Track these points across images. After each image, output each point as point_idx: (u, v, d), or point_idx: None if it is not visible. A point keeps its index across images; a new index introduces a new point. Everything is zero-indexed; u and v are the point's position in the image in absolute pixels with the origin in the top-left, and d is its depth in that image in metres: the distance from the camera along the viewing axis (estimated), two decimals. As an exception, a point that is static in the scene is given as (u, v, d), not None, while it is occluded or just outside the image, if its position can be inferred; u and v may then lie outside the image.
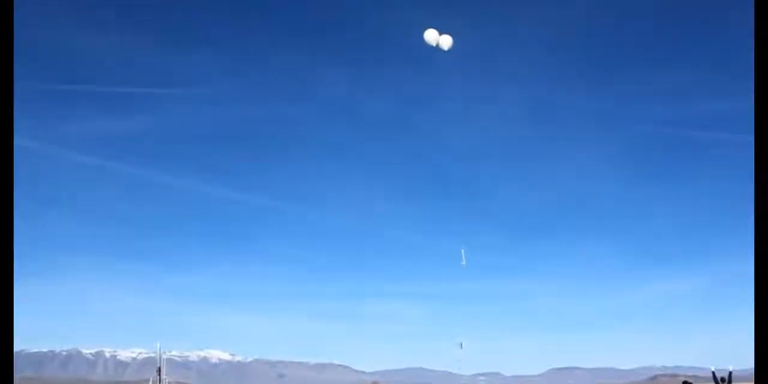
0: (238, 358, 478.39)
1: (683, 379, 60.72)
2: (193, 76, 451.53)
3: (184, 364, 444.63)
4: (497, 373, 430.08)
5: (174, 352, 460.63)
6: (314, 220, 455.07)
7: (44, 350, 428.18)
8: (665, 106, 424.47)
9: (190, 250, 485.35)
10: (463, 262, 19.91)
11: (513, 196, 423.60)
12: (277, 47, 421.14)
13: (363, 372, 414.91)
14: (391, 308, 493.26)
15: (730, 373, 19.75)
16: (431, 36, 18.48)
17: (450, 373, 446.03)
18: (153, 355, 26.05)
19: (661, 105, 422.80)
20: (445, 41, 18.49)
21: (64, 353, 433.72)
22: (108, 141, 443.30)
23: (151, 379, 25.97)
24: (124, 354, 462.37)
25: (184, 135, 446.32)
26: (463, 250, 20.10)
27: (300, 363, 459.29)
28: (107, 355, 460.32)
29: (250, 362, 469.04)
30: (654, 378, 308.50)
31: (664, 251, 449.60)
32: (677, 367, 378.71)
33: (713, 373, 19.80)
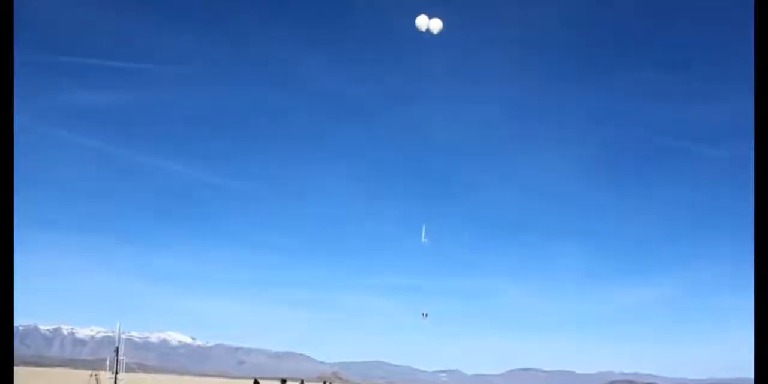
0: (198, 341, 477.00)
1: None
2: (175, 54, 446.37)
3: (144, 345, 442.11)
4: (458, 371, 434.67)
5: (134, 333, 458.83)
6: (290, 207, 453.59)
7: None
8: (651, 109, 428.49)
9: (161, 230, 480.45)
10: (424, 239, 21.13)
11: (490, 193, 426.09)
12: (263, 30, 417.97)
13: (323, 362, 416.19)
14: (359, 300, 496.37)
15: None
16: (422, 21, 19.14)
17: (411, 368, 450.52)
18: (112, 334, 26.52)
19: (647, 108, 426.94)
20: (435, 25, 19.18)
21: (21, 328, 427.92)
22: (84, 115, 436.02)
23: (108, 359, 26.37)
24: (83, 332, 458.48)
25: (162, 114, 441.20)
26: (424, 227, 21.41)
27: (261, 350, 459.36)
28: (65, 332, 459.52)
29: (211, 346, 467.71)
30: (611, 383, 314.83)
31: (635, 258, 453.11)
32: (635, 373, 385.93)
33: None
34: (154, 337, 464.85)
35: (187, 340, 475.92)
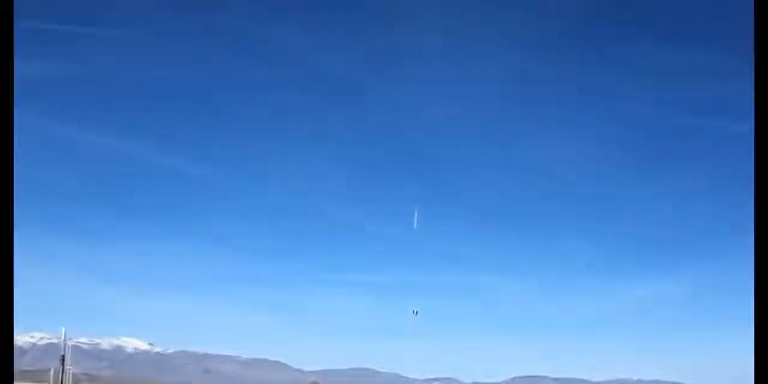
0: (157, 348, 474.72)
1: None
2: (123, 16, 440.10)
3: (95, 353, 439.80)
4: (454, 380, 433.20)
5: (82, 339, 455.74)
6: (252, 194, 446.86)
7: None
8: (664, 87, 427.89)
9: (106, 222, 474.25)
10: (416, 226, 20.17)
11: (485, 179, 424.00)
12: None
13: (301, 370, 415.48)
14: (337, 299, 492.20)
15: None
16: None
17: (400, 376, 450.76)
18: (56, 341, 25.36)
19: (660, 86, 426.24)
20: None
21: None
22: (16, 86, 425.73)
23: (52, 369, 25.19)
24: (22, 339, 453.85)
25: (106, 86, 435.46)
26: (416, 212, 20.35)
27: (229, 357, 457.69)
28: None
29: (172, 354, 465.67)
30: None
31: (650, 251, 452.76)
32: (656, 381, 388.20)
33: None
34: (106, 344, 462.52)
35: (145, 346, 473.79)
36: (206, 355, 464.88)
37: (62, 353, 24.68)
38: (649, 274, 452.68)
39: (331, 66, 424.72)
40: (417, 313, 24.09)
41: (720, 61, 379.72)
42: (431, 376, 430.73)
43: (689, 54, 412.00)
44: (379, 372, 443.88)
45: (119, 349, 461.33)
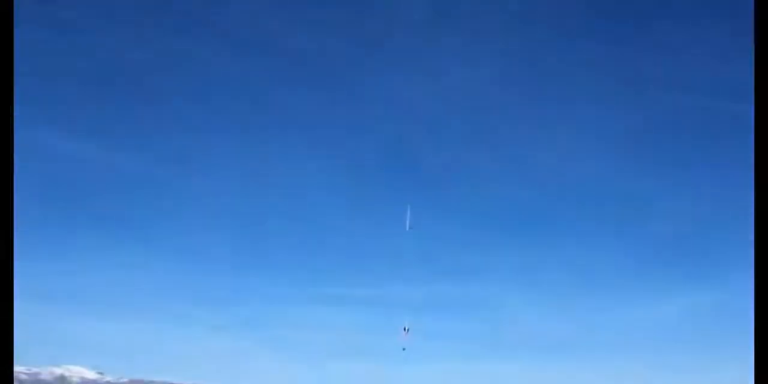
0: (108, 377, 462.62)
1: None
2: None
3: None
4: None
5: (20, 368, 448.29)
6: (212, 194, 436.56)
7: None
8: (694, 68, 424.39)
9: (41, 229, 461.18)
10: (408, 227, 17.70)
11: (486, 178, 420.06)
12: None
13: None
14: (316, 317, 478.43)
15: None
16: None
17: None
18: None
19: (690, 67, 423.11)
20: None
21: None
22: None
23: None
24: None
25: (24, 66, 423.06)
26: (408, 211, 17.50)
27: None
28: None
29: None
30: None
31: (676, 259, 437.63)
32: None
33: None
34: (47, 373, 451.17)
35: (92, 375, 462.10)
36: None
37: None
38: (673, 288, 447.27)
39: (312, 51, 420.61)
40: (408, 330, 20.87)
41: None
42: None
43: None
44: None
45: (62, 379, 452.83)
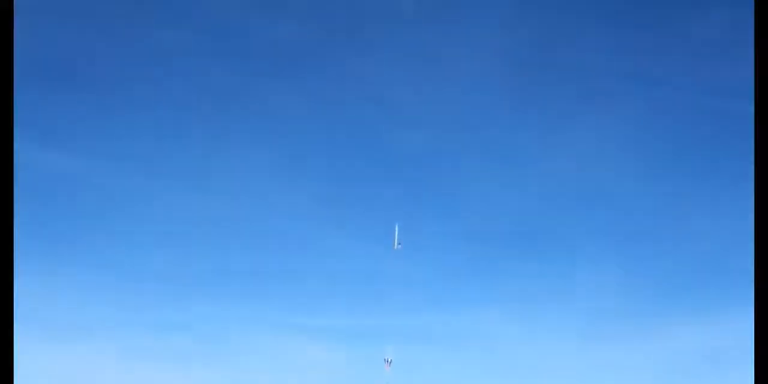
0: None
1: None
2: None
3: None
4: None
5: None
6: (164, 200, 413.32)
7: None
8: (719, 62, 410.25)
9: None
10: (396, 245, 16.82)
11: (480, 189, 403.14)
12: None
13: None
14: (288, 350, 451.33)
15: None
16: None
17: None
18: None
19: (713, 61, 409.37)
20: None
21: None
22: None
23: None
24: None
25: None
26: (396, 227, 16.80)
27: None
28: None
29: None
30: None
31: (701, 284, 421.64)
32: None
33: None
34: None
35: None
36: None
37: None
38: (698, 317, 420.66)
39: (273, 32, 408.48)
40: (390, 362, 19.41)
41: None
42: None
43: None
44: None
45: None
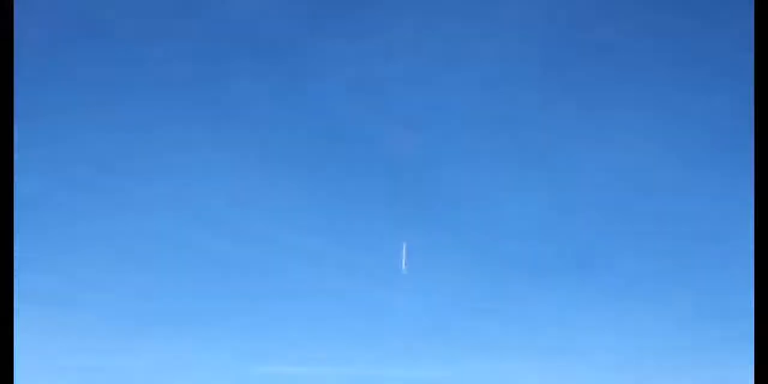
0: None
1: None
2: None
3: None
4: None
5: None
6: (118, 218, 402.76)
7: None
8: None
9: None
10: (404, 267, 15.79)
11: (493, 199, 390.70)
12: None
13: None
14: None
15: None
16: None
17: None
18: None
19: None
20: None
21: None
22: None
23: None
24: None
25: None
26: (404, 247, 15.67)
27: None
28: None
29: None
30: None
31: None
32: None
33: None
34: None
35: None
36: None
37: None
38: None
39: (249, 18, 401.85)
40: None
41: None
42: None
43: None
44: None
45: None
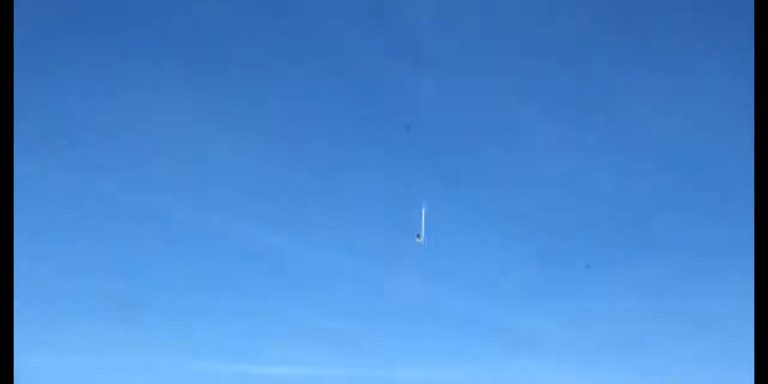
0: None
1: None
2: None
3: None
4: None
5: None
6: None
7: None
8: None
9: None
10: (420, 238, 14.62)
11: (508, 188, 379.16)
12: None
13: None
14: None
15: None
16: None
17: None
18: None
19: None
20: None
21: None
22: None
23: None
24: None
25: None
26: (423, 211, 14.33)
27: None
28: None
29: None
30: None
31: None
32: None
33: None
34: None
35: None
36: None
37: None
38: None
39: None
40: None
41: None
42: None
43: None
44: None
45: None
